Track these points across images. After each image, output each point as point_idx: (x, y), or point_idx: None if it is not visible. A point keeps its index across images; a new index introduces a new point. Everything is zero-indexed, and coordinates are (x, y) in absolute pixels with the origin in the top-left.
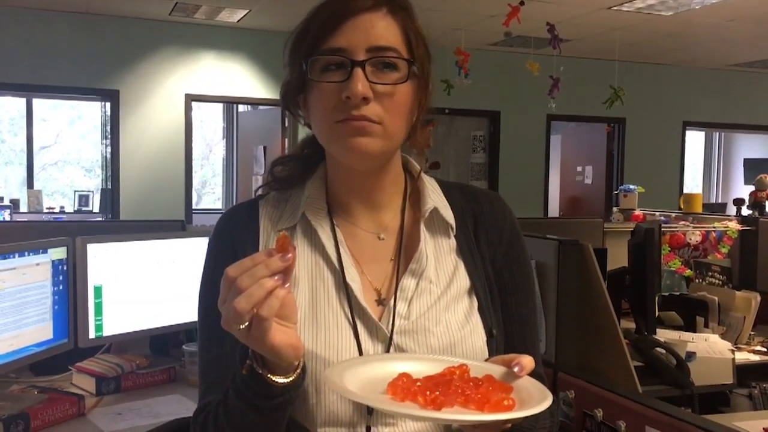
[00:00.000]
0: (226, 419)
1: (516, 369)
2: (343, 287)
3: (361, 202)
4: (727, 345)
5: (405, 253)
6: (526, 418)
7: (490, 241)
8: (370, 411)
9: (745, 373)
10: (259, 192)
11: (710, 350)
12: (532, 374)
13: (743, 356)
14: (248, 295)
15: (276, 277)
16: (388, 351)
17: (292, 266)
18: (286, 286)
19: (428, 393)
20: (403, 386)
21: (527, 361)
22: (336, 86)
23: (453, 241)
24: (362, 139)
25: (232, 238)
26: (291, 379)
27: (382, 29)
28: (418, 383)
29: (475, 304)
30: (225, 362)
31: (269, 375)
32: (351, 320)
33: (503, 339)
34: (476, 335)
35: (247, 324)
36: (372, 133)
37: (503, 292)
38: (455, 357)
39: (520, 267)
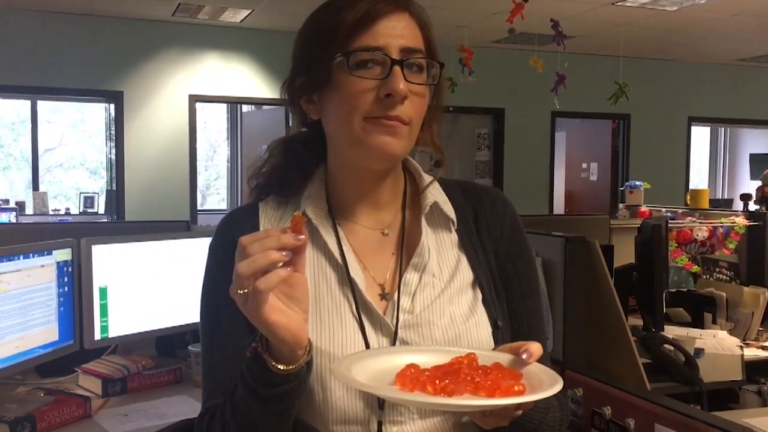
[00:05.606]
0: (232, 414)
1: (524, 356)
2: (347, 283)
3: (364, 203)
4: (735, 341)
5: (407, 248)
6: (537, 407)
7: (491, 235)
8: (381, 405)
9: (754, 369)
10: (252, 199)
11: (719, 346)
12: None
13: (752, 352)
14: (251, 261)
15: (284, 253)
16: (393, 345)
17: (304, 247)
18: (289, 268)
19: (437, 382)
20: (411, 376)
21: (535, 348)
22: (372, 83)
23: (455, 236)
24: (390, 138)
25: (233, 240)
26: (292, 367)
27: (409, 31)
28: (427, 373)
29: (479, 296)
30: (228, 365)
31: (271, 360)
32: (356, 315)
33: (509, 331)
34: (481, 327)
35: (246, 291)
36: (400, 134)
37: (507, 285)
38: (462, 348)
39: (523, 259)
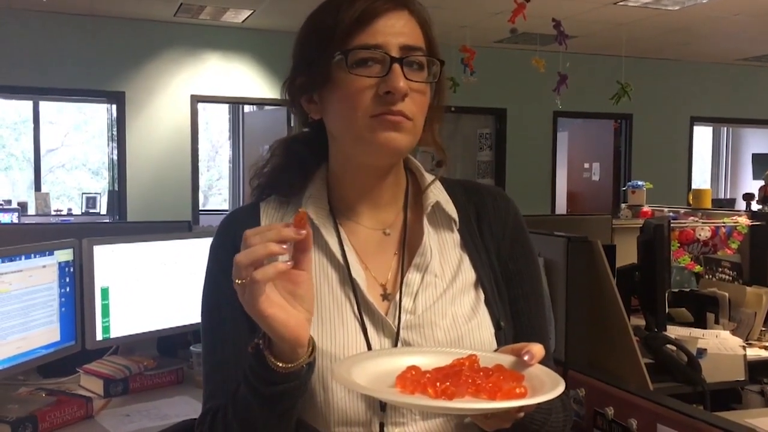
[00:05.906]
0: (234, 414)
1: (526, 357)
2: (349, 283)
3: (365, 202)
4: (738, 341)
5: (409, 248)
6: (539, 409)
7: (494, 234)
8: (383, 407)
9: (756, 369)
10: (253, 199)
11: (721, 347)
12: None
13: (754, 352)
14: (250, 251)
15: (284, 246)
16: (395, 346)
17: (309, 246)
18: (290, 263)
19: (438, 384)
20: (412, 378)
21: (537, 349)
22: (372, 81)
23: (457, 235)
24: (396, 134)
25: (234, 240)
26: (291, 366)
27: (409, 29)
28: (428, 375)
29: (482, 296)
30: (229, 366)
31: (271, 357)
32: (358, 316)
33: (512, 332)
34: (484, 328)
35: (244, 282)
36: (404, 128)
37: (509, 285)
38: (463, 349)
39: (526, 259)
